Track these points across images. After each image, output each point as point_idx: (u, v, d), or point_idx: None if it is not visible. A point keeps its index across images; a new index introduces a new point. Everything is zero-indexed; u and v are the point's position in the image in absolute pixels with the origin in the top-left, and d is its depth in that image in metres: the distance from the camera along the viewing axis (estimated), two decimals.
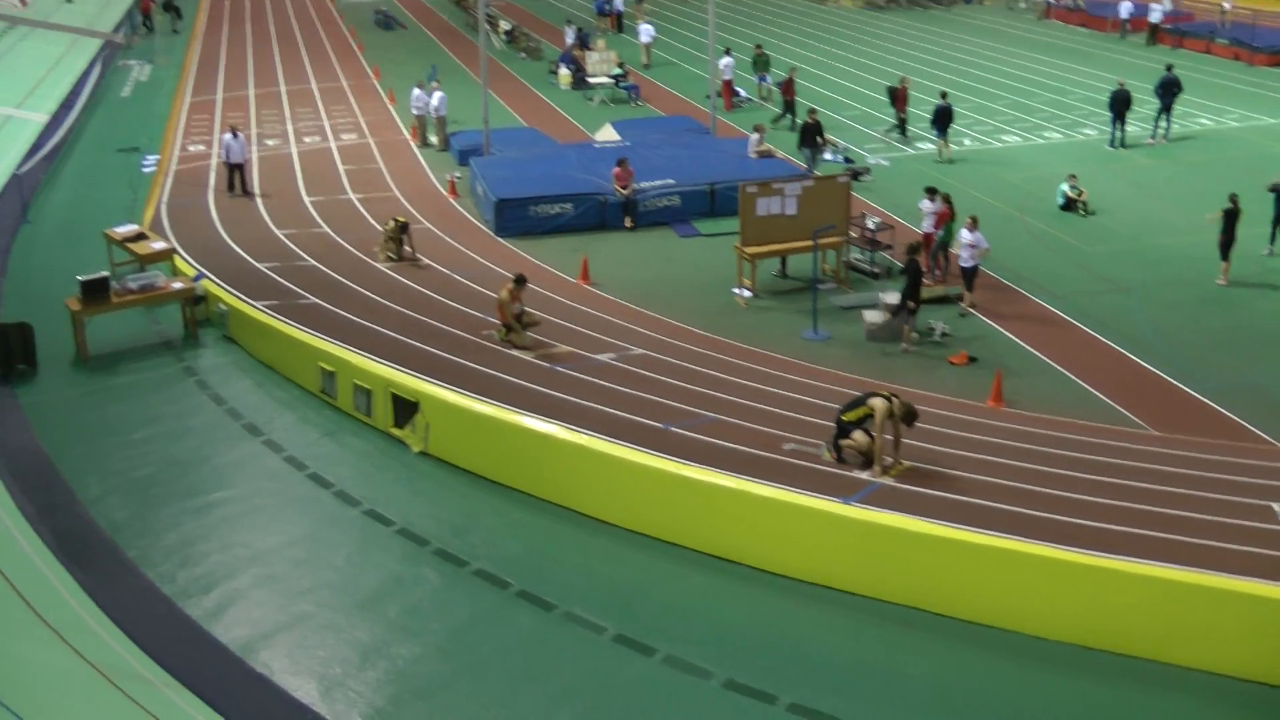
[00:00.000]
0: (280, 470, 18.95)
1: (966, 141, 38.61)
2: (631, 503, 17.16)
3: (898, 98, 39.27)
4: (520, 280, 21.81)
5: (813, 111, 35.85)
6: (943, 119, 36.81)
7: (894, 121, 39.58)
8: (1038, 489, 16.38)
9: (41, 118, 41.42)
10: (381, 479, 18.74)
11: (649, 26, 54.77)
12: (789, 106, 40.72)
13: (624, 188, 30.99)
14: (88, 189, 35.23)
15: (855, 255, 27.97)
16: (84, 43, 55.46)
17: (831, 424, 17.42)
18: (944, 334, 24.14)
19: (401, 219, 27.80)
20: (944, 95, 37.63)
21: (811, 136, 34.46)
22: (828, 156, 35.08)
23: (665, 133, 37.89)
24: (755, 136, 34.22)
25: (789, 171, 32.17)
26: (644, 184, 31.45)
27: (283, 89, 48.24)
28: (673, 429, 18.02)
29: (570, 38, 51.90)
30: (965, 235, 25.36)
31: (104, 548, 16.83)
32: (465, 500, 18.10)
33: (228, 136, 33.87)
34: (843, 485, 16.33)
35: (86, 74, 49.13)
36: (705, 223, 31.13)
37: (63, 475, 18.88)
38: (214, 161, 36.84)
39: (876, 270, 27.52)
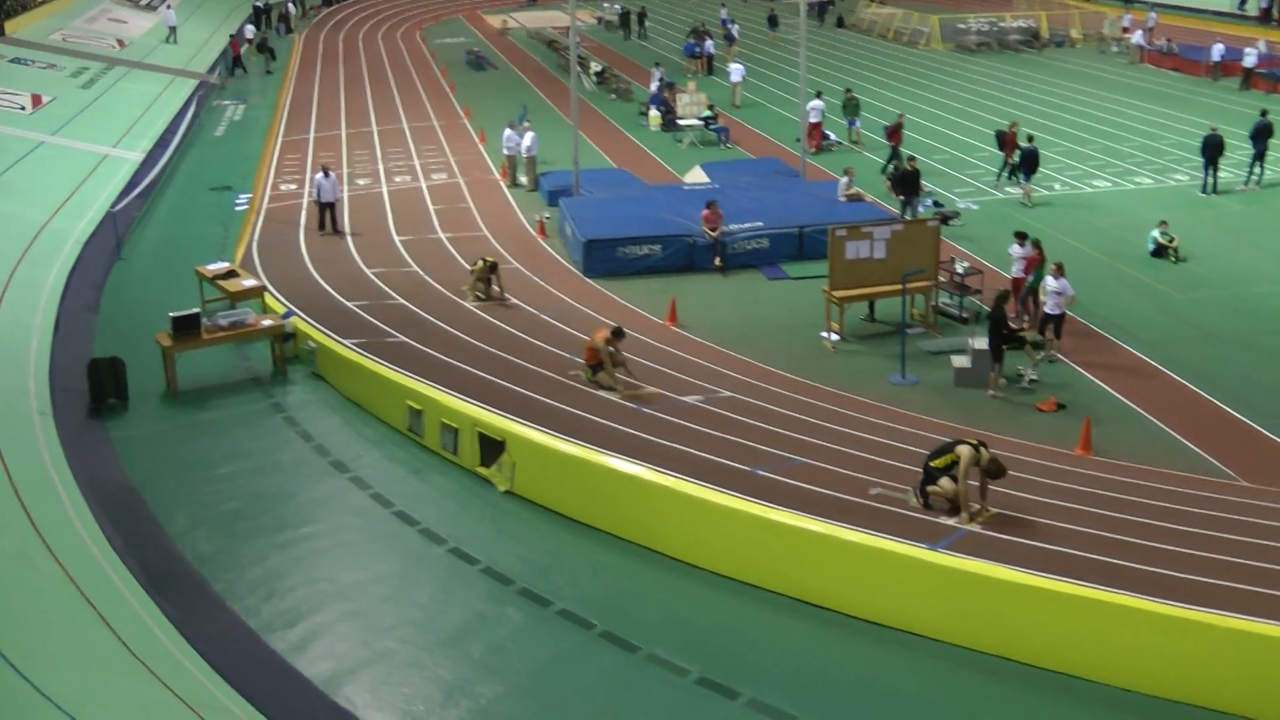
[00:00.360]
0: (366, 507, 19.14)
1: (1056, 186, 38.34)
2: (717, 545, 17.14)
3: (1006, 142, 38.80)
4: (619, 333, 21.86)
5: (911, 159, 35.48)
6: (1029, 163, 36.55)
7: (1004, 166, 38.95)
8: (1126, 539, 16.18)
9: (137, 156, 42.33)
10: (467, 517, 18.86)
11: (739, 66, 55.11)
12: (895, 152, 40.43)
13: (713, 230, 31.06)
14: (180, 226, 35.88)
15: (944, 300, 27.83)
16: (180, 83, 56.59)
17: (918, 469, 17.34)
18: (1032, 381, 23.94)
19: (490, 259, 28.03)
20: (1030, 139, 37.38)
21: (910, 184, 34.23)
22: (921, 208, 34.75)
23: (754, 175, 37.95)
24: (844, 180, 34.17)
25: (878, 215, 32.12)
26: (733, 226, 31.51)
27: (374, 129, 48.89)
28: (759, 472, 18.00)
29: (655, 82, 52.25)
30: (1050, 282, 25.13)
31: (190, 580, 17.07)
32: (550, 540, 18.17)
33: (319, 175, 34.36)
34: (929, 531, 16.23)
35: (181, 113, 50.14)
36: (794, 266, 31.14)
37: (151, 508, 19.18)
38: (305, 200, 37.39)
39: (965, 315, 27.37)
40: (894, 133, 40.67)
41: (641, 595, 16.73)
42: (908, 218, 33.18)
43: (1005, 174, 38.71)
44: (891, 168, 34.78)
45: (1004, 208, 36.10)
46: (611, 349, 21.76)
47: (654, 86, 51.89)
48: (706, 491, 17.23)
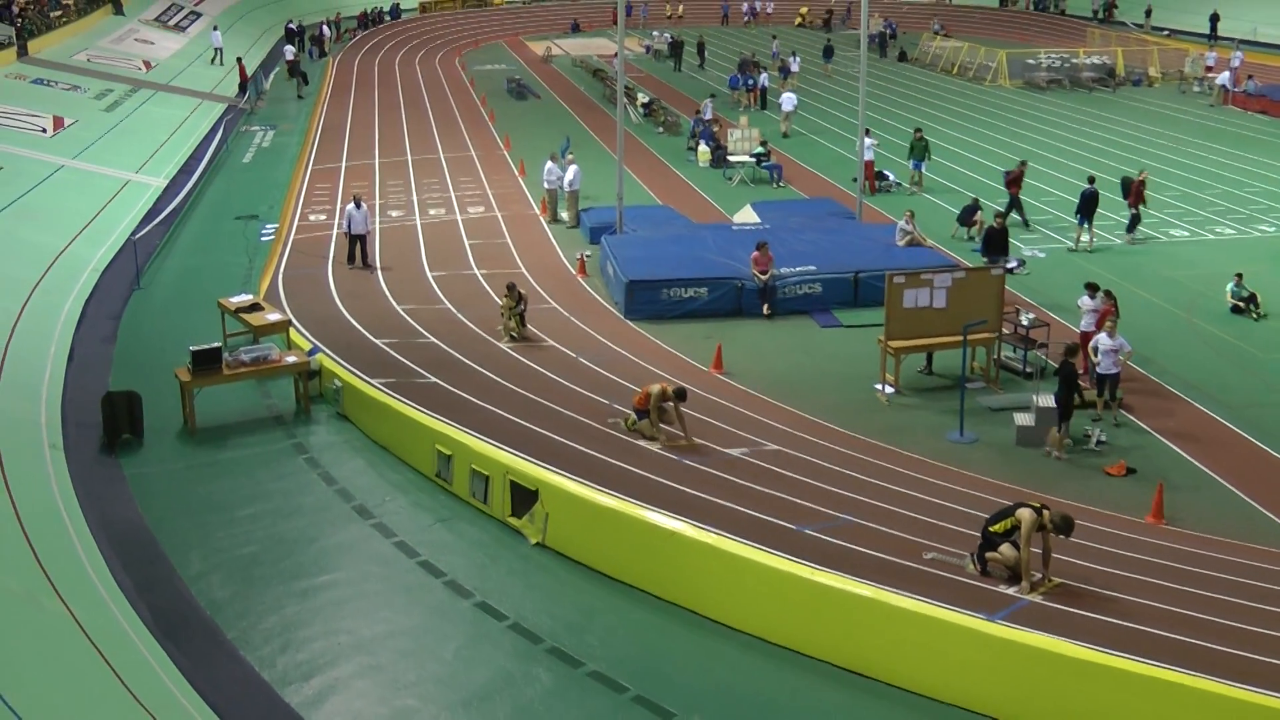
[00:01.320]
0: (390, 556, 19.18)
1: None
2: (760, 608, 17.09)
3: (1132, 190, 37.91)
4: (681, 394, 21.74)
5: (1000, 217, 33.99)
6: (1088, 206, 36.28)
7: (1129, 216, 38.23)
8: (1200, 615, 16.03)
9: (160, 182, 42.82)
10: (496, 570, 18.87)
11: (791, 95, 55.60)
12: (1014, 203, 38.80)
13: (763, 273, 31.09)
14: (203, 256, 36.22)
15: (1007, 353, 27.73)
16: (207, 107, 57.23)
17: (976, 534, 17.25)
18: (1100, 442, 23.80)
19: (512, 283, 28.05)
20: (1091, 180, 37.10)
21: (998, 244, 32.70)
22: (1011, 265, 33.49)
23: (808, 216, 37.96)
24: (903, 223, 34.14)
25: (939, 261, 32.07)
26: (784, 269, 31.55)
27: (409, 158, 49.25)
28: (806, 531, 17.95)
29: (706, 113, 52.58)
30: (1104, 340, 24.86)
31: (203, 627, 17.15)
32: (583, 597, 18.15)
33: (350, 206, 34.58)
34: (987, 600, 16.13)
35: (208, 139, 50.70)
36: (848, 313, 31.14)
37: (164, 550, 19.30)
38: (334, 232, 37.65)
39: (1029, 370, 27.24)
40: (1014, 181, 39.10)
41: (678, 658, 16.68)
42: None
43: (1130, 225, 37.98)
44: (1019, 219, 32.65)
45: (1073, 256, 35.95)
46: (667, 404, 21.73)
47: (699, 119, 52.18)
48: (749, 550, 17.19)
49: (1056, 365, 23.86)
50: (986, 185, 44.03)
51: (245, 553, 19.21)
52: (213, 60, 66.51)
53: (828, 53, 73.37)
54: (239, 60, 64.94)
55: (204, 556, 19.10)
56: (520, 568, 18.94)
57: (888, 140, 47.10)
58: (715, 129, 50.38)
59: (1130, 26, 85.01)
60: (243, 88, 62.67)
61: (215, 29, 70.08)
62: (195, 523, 20.24)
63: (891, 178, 44.63)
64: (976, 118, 58.55)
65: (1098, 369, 24.97)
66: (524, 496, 19.80)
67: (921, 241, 34.20)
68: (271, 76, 68.36)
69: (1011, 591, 16.44)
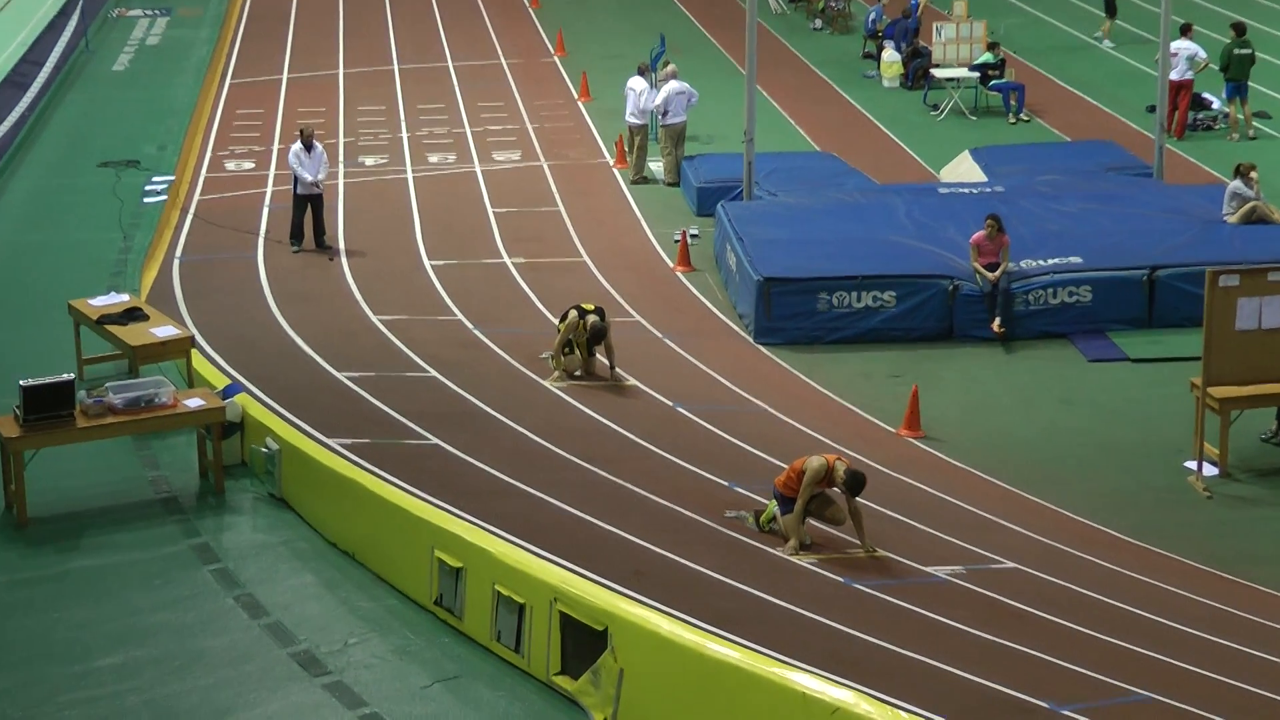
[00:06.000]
0: None
1: None
2: None
3: None
4: (857, 482, 21.30)
5: None
6: None
7: None
8: None
9: None
10: None
11: None
12: None
13: (991, 267, 30.93)
14: (45, 229, 36.60)
15: None
16: None
17: None
18: None
19: (591, 305, 28.04)
20: None
21: None
22: None
23: (1069, 171, 37.87)
24: (1237, 184, 33.78)
25: None
26: (1027, 263, 31.48)
27: (396, 68, 49.61)
28: (1065, 712, 17.79)
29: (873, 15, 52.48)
30: None
31: None
32: None
33: (296, 148, 34.82)
34: None
35: (54, 29, 51.06)
36: (1135, 337, 31.10)
37: None
38: (269, 190, 37.88)
39: None
40: None
41: None
42: None
43: None
44: None
45: None
46: (833, 492, 21.50)
47: (873, 14, 52.11)
48: None
49: None
50: None
51: None
52: None
53: None
54: None
55: None
56: None
57: (1209, 44, 46.71)
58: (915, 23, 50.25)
59: None
60: None
61: None
62: (20, 679, 20.21)
63: (1216, 105, 44.31)
64: None
65: None
66: (584, 641, 19.74)
67: (1269, 216, 33.82)
68: None
69: None
